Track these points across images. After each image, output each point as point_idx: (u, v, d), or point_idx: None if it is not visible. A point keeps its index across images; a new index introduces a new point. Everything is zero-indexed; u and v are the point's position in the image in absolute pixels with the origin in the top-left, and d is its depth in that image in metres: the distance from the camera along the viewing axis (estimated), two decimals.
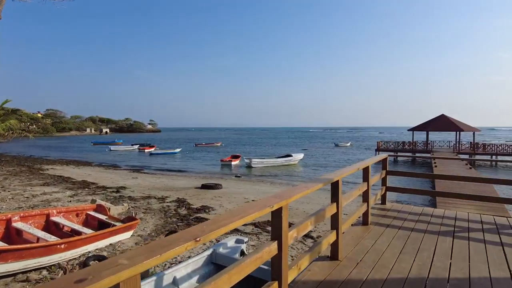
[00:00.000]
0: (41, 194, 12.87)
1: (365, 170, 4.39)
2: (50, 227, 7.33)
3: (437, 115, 35.46)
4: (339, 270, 3.22)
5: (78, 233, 7.01)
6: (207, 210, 10.63)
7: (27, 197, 12.09)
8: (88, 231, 7.05)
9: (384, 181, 5.40)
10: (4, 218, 6.67)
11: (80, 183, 16.24)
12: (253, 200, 12.73)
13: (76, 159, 35.88)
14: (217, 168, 27.82)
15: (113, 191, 13.98)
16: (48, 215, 7.37)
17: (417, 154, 35.66)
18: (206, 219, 9.43)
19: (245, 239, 5.55)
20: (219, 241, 6.55)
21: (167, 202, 11.96)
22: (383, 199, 5.59)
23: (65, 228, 7.28)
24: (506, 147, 30.33)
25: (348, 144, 61.19)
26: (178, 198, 12.68)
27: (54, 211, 7.55)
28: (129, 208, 10.66)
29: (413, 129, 35.40)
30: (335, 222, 3.39)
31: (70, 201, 11.61)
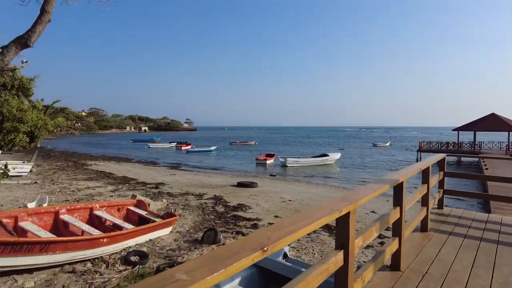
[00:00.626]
0: (85, 188, 13.38)
1: (425, 172, 3.95)
2: (93, 220, 7.48)
3: (485, 114, 33.02)
4: (403, 282, 2.86)
5: (120, 227, 7.08)
6: (244, 209, 10.47)
7: (72, 191, 12.61)
8: (129, 226, 7.10)
9: (441, 183, 4.90)
10: (53, 210, 6.88)
11: (121, 178, 16.76)
12: (289, 200, 12.42)
13: (117, 155, 37.42)
14: (251, 166, 27.75)
15: (152, 187, 14.25)
16: (91, 209, 7.53)
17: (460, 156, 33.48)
18: (244, 218, 9.27)
19: None
20: None
21: (205, 199, 11.96)
22: (440, 203, 5.09)
23: (107, 222, 7.40)
24: None
25: (387, 144, 58.83)
26: (215, 195, 12.65)
27: (97, 205, 7.70)
28: (167, 204, 10.76)
29: (459, 129, 33.21)
30: (397, 228, 3.02)
31: (112, 196, 11.94)
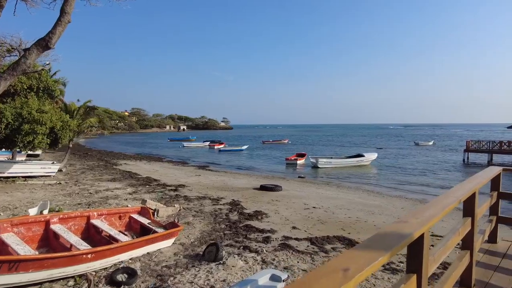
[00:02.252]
0: (104, 190, 13.20)
1: (469, 202, 2.65)
2: (90, 230, 6.98)
3: None
4: None
5: (115, 239, 6.50)
6: (260, 217, 9.56)
7: (90, 193, 12.44)
8: (124, 238, 6.49)
9: (494, 209, 3.65)
10: (43, 219, 6.44)
11: (144, 179, 16.55)
12: (313, 207, 11.33)
13: (150, 154, 38.10)
14: (282, 166, 26.74)
15: (171, 189, 13.80)
16: (88, 218, 7.03)
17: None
18: (257, 229, 8.38)
19: (284, 276, 4.22)
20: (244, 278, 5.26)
21: (221, 204, 11.22)
22: (493, 235, 3.77)
23: (104, 233, 6.85)
24: None
25: (431, 143, 54.86)
26: (233, 200, 11.88)
27: (95, 213, 7.19)
28: (180, 210, 10.15)
29: None
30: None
31: (126, 199, 11.58)
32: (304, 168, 25.18)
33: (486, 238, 3.48)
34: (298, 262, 6.23)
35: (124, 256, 6.17)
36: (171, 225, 7.37)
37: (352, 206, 11.92)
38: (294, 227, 8.72)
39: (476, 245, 2.51)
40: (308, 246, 7.18)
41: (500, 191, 3.55)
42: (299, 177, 20.56)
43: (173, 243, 7.25)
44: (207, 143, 53.83)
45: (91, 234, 6.91)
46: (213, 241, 7.00)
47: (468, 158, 30.59)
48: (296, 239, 7.63)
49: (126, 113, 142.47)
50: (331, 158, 26.31)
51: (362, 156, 26.63)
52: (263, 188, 14.61)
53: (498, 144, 29.63)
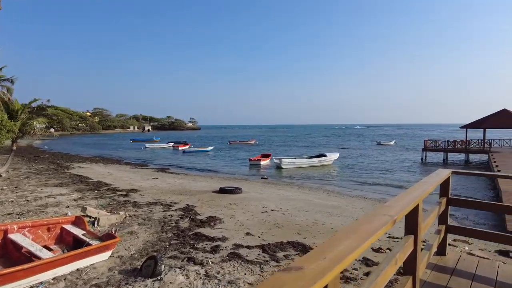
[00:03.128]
0: (45, 196, 11.99)
1: (411, 216, 2.19)
2: (7, 246, 6.04)
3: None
4: None
5: (37, 256, 5.64)
6: (212, 223, 8.95)
7: (28, 201, 11.21)
8: (46, 255, 5.65)
9: (443, 217, 3.24)
10: None
11: (94, 184, 15.37)
12: (272, 210, 10.90)
13: (109, 156, 36.20)
14: (245, 168, 26.21)
15: (121, 195, 12.82)
16: (6, 232, 6.09)
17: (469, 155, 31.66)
18: (207, 237, 7.77)
19: None
20: None
21: (172, 210, 10.48)
22: (442, 247, 3.33)
23: (24, 249, 5.94)
24: None
25: (392, 143, 56.85)
26: (187, 205, 11.17)
27: (15, 226, 6.25)
28: (125, 217, 9.31)
29: (467, 126, 31.25)
30: None
31: (68, 206, 10.50)
32: (268, 169, 24.82)
33: (434, 250, 3.09)
34: (245, 274, 5.70)
35: (46, 276, 5.33)
36: (107, 236, 6.60)
37: (311, 207, 11.63)
38: (248, 233, 8.19)
39: (420, 266, 2.07)
40: (259, 254, 6.68)
41: (450, 196, 3.19)
42: (262, 178, 20.16)
43: (111, 256, 6.48)
44: (171, 144, 52.25)
45: (9, 251, 5.98)
46: (153, 254, 6.31)
47: (426, 157, 31.77)
48: (248, 247, 7.11)
49: (88, 114, 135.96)
50: (295, 158, 26.14)
51: (325, 156, 26.73)
52: (222, 191, 14.00)
53: (453, 143, 31.07)
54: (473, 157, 30.91)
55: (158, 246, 7.14)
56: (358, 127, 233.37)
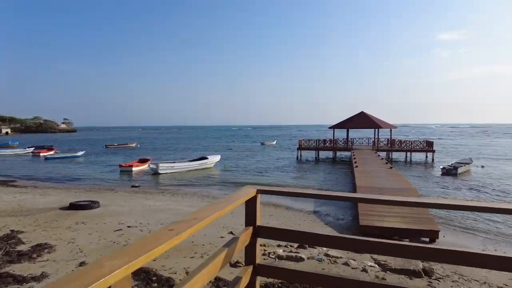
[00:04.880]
0: None
1: None
2: None
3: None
4: None
5: None
6: (35, 255, 6.91)
7: None
8: None
9: (250, 254, 2.36)
10: None
11: None
12: (128, 227, 9.34)
13: None
14: (116, 175, 23.38)
15: None
16: None
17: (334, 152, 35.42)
18: (18, 278, 5.77)
19: None
20: None
21: None
22: None
23: None
24: (419, 144, 31.35)
25: (274, 143, 60.48)
26: (10, 231, 8.65)
27: None
28: None
29: (334, 127, 34.97)
30: None
31: None
32: (143, 176, 22.60)
33: None
34: None
35: None
36: None
37: (178, 218, 10.46)
38: (82, 263, 6.53)
39: None
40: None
41: (259, 224, 2.43)
42: (132, 186, 18.04)
43: None
44: (31, 149, 44.04)
45: None
46: None
47: (301, 155, 34.26)
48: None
49: None
50: (174, 162, 24.56)
51: (206, 158, 25.99)
52: (72, 206, 11.63)
53: (322, 142, 34.33)
54: (340, 154, 34.72)
55: None
56: (250, 128, 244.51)
